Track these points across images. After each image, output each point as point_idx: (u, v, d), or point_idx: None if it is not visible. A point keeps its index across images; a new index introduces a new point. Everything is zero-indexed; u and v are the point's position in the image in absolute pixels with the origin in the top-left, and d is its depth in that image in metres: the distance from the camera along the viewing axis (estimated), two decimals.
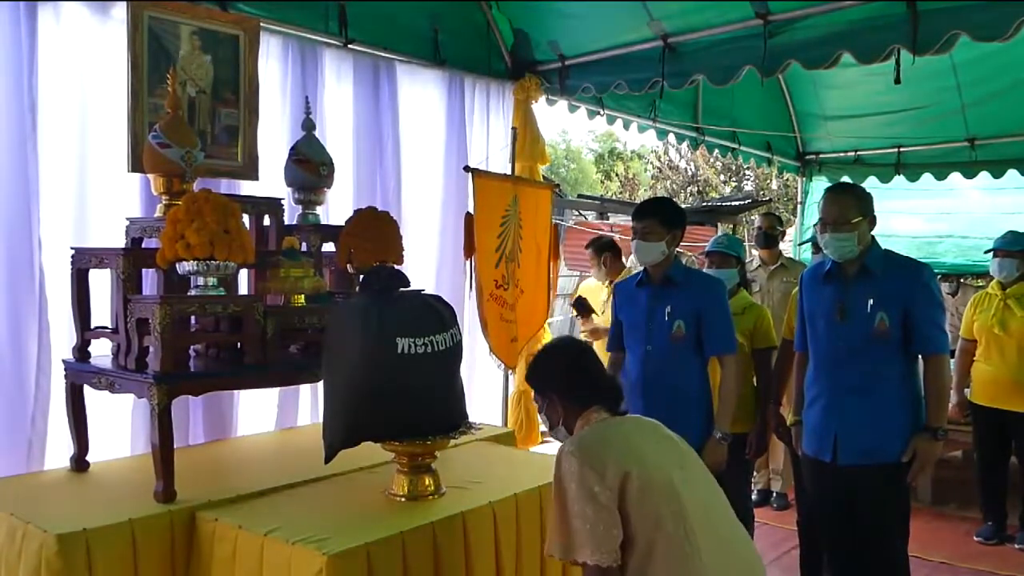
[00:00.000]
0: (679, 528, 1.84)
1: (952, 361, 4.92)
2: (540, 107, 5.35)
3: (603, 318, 4.86)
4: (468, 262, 4.44)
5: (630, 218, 3.31)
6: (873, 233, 3.19)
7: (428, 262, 4.62)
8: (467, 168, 4.52)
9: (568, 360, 2.19)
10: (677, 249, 3.20)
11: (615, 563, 1.81)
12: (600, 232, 10.62)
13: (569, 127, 34.13)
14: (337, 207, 3.91)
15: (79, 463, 2.83)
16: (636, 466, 1.86)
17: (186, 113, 3.10)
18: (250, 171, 3.40)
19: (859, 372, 2.82)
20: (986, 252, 4.57)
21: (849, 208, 2.81)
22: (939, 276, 7.21)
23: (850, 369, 2.84)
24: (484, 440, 3.33)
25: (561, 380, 2.16)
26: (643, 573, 1.82)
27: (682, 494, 1.89)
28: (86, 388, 2.80)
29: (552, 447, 2.40)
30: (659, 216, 3.09)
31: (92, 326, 2.83)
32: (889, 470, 2.79)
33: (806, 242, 5.28)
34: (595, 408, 2.10)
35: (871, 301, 2.77)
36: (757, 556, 2.08)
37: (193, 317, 2.80)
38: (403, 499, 2.58)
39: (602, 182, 28.15)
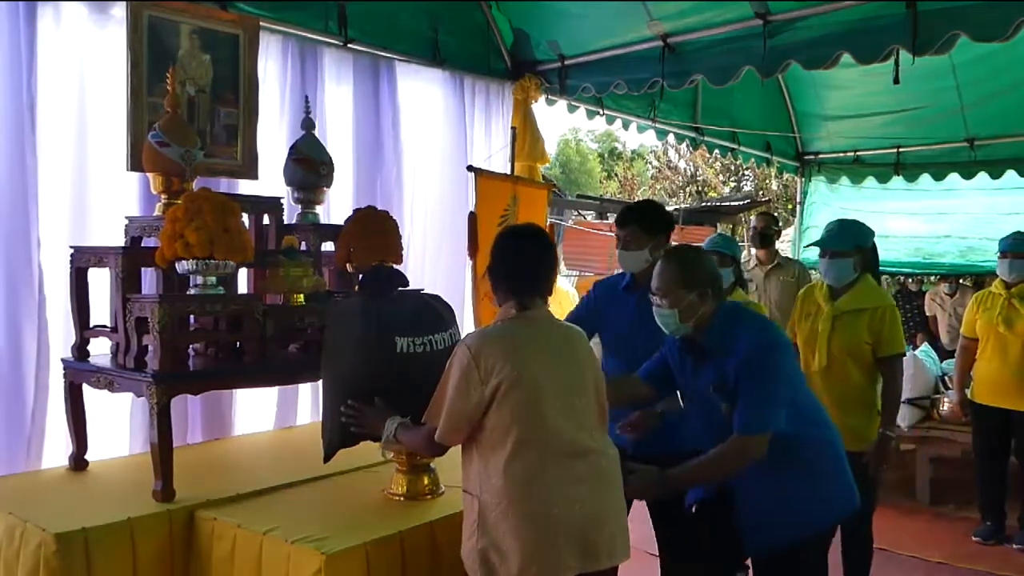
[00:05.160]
0: (529, 444, 2.05)
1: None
2: (545, 108, 5.36)
3: None
4: (471, 262, 4.46)
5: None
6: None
7: (428, 262, 4.62)
8: (471, 168, 4.52)
9: (515, 251, 2.24)
10: None
11: (448, 444, 2.16)
12: (600, 232, 10.65)
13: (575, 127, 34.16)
14: (337, 207, 3.91)
15: (78, 462, 2.83)
16: (513, 379, 2.05)
17: (186, 112, 3.10)
18: (249, 170, 3.41)
19: None
20: (996, 254, 4.54)
21: (671, 280, 2.44)
22: (938, 277, 7.25)
23: None
24: None
25: (502, 267, 2.23)
26: (490, 460, 2.07)
27: (547, 416, 2.07)
28: (85, 387, 2.80)
29: None
30: (641, 223, 2.96)
31: (91, 325, 2.83)
32: None
33: (811, 245, 5.30)
34: (516, 303, 2.19)
35: (711, 388, 2.45)
36: (616, 510, 2.18)
37: (192, 316, 2.80)
38: (402, 498, 2.58)
39: (601, 182, 28.19)
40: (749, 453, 2.33)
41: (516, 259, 2.23)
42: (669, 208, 9.17)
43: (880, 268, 7.09)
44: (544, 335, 2.20)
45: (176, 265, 2.55)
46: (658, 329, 2.52)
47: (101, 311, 2.88)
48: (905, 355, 3.43)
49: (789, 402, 2.36)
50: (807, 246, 5.60)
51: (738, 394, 2.34)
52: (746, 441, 2.33)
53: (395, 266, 2.86)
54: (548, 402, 2.08)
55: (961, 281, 7.11)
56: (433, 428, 2.15)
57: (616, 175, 26.30)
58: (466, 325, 4.37)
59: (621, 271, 3.12)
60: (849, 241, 3.38)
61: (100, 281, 2.86)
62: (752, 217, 10.75)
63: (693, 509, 2.67)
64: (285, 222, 3.27)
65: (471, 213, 4.44)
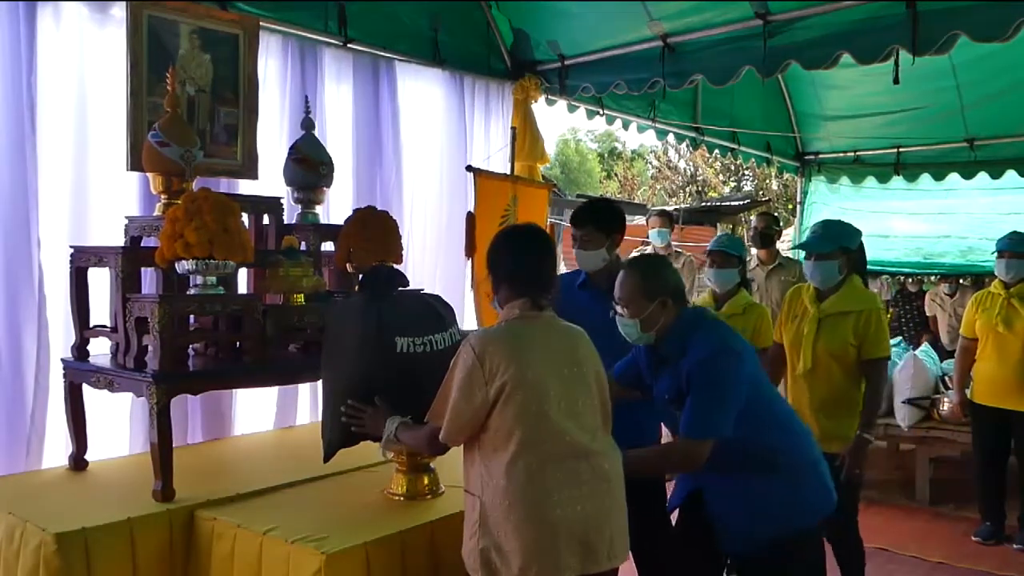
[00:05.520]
0: (532, 445, 2.05)
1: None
2: (545, 108, 5.36)
3: None
4: (469, 261, 4.46)
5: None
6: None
7: (428, 262, 4.62)
8: (470, 168, 4.52)
9: (518, 251, 2.24)
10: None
11: (451, 444, 2.16)
12: None
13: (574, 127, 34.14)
14: (337, 206, 3.92)
15: (78, 462, 2.83)
16: (517, 379, 2.05)
17: (185, 112, 3.10)
18: (249, 170, 3.41)
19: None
20: (992, 253, 4.56)
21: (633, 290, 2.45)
22: (938, 277, 7.25)
23: None
24: None
25: (505, 267, 2.23)
26: (492, 460, 2.07)
27: (550, 417, 2.07)
28: (85, 387, 2.80)
29: None
30: (596, 223, 2.98)
31: (91, 325, 2.83)
32: None
33: (794, 247, 5.30)
34: (522, 301, 2.18)
35: (666, 398, 2.50)
36: (619, 517, 2.17)
37: (192, 316, 2.81)
38: (402, 498, 2.59)
39: (601, 182, 28.21)
40: (692, 456, 2.34)
41: (518, 259, 2.23)
42: (669, 208, 9.18)
43: (880, 268, 7.13)
44: (548, 335, 2.19)
45: (176, 265, 2.55)
46: (611, 327, 2.52)
47: (101, 311, 2.88)
48: (890, 359, 3.34)
49: (741, 408, 2.34)
50: (791, 248, 5.60)
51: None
52: (689, 444, 2.34)
53: (395, 266, 2.86)
54: (552, 403, 2.08)
55: (961, 281, 7.11)
56: (436, 428, 2.15)
57: (616, 175, 26.32)
58: (466, 325, 4.37)
59: (578, 268, 3.12)
60: (833, 243, 3.30)
61: (100, 281, 2.86)
62: (752, 217, 10.77)
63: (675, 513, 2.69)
64: (285, 222, 3.28)
65: (469, 213, 4.45)
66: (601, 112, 5.52)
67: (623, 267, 2.58)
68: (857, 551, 3.40)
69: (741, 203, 14.89)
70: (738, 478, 2.40)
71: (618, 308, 2.48)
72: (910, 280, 7.71)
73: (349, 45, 4.15)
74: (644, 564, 2.96)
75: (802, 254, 6.55)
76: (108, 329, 2.79)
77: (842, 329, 3.25)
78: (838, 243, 3.30)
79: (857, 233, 3.39)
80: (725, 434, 2.32)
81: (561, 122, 50.64)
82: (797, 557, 2.47)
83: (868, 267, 3.73)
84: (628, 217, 3.47)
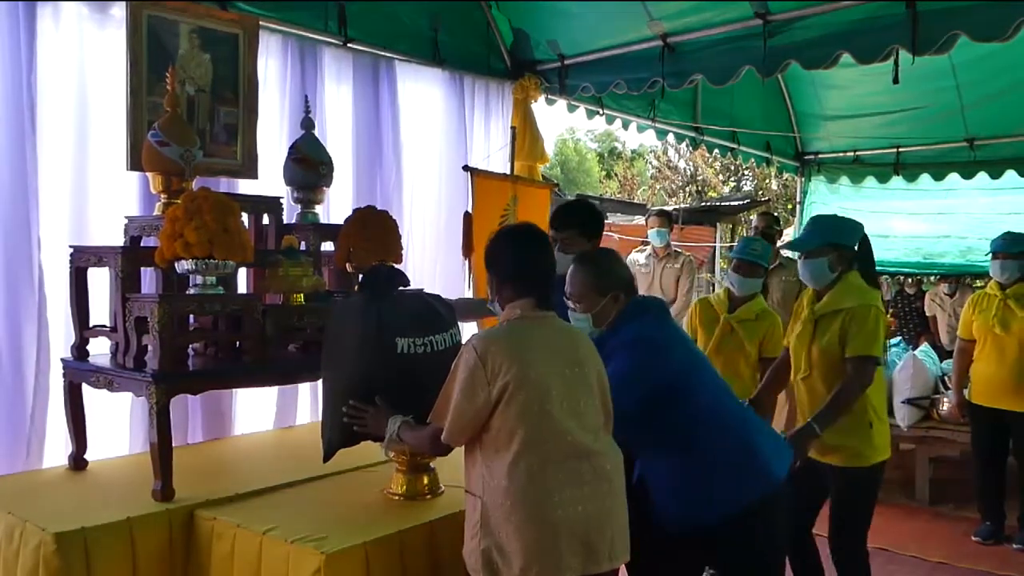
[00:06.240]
0: (535, 445, 2.05)
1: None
2: (544, 108, 5.37)
3: None
4: (466, 261, 4.46)
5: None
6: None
7: (428, 261, 4.62)
8: (466, 167, 4.52)
9: (518, 251, 2.24)
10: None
11: (454, 445, 2.17)
12: None
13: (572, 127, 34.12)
14: (337, 206, 3.92)
15: (77, 461, 2.83)
16: (520, 379, 2.05)
17: (185, 112, 3.10)
18: (249, 170, 3.41)
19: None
20: (987, 255, 4.56)
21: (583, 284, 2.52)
22: (939, 277, 7.25)
23: None
24: None
25: (505, 267, 2.23)
26: (494, 461, 2.07)
27: (553, 417, 2.07)
28: (85, 386, 2.80)
29: None
30: (579, 227, 2.97)
31: (91, 324, 2.83)
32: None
33: (784, 247, 5.25)
34: (524, 301, 2.18)
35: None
36: (620, 517, 2.18)
37: (192, 316, 2.81)
38: (401, 498, 2.59)
39: (601, 182, 28.21)
40: None
41: (519, 259, 2.23)
42: (668, 208, 9.17)
43: (880, 268, 7.08)
44: (549, 335, 2.19)
45: (176, 265, 2.55)
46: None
47: (101, 311, 2.89)
48: (877, 360, 3.06)
49: (652, 396, 2.38)
50: (781, 247, 5.57)
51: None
52: None
53: (395, 266, 2.86)
54: (554, 403, 2.08)
55: (963, 281, 7.12)
56: (439, 428, 2.15)
57: (616, 174, 26.32)
58: (467, 325, 4.36)
59: None
60: (820, 239, 3.10)
61: (100, 281, 2.86)
62: (753, 217, 10.76)
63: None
64: (285, 222, 3.28)
65: (466, 213, 4.45)
66: (601, 112, 5.52)
67: (574, 262, 2.59)
68: (859, 565, 3.15)
69: (741, 203, 14.86)
70: (655, 462, 2.50)
71: (570, 303, 2.52)
72: (909, 280, 7.71)
73: (349, 45, 4.15)
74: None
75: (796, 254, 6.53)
76: (108, 329, 2.79)
77: (833, 329, 3.06)
78: (826, 239, 3.12)
79: (856, 228, 3.20)
80: (622, 409, 2.35)
81: (560, 122, 50.60)
82: (724, 544, 2.48)
83: None
84: (628, 217, 3.47)
